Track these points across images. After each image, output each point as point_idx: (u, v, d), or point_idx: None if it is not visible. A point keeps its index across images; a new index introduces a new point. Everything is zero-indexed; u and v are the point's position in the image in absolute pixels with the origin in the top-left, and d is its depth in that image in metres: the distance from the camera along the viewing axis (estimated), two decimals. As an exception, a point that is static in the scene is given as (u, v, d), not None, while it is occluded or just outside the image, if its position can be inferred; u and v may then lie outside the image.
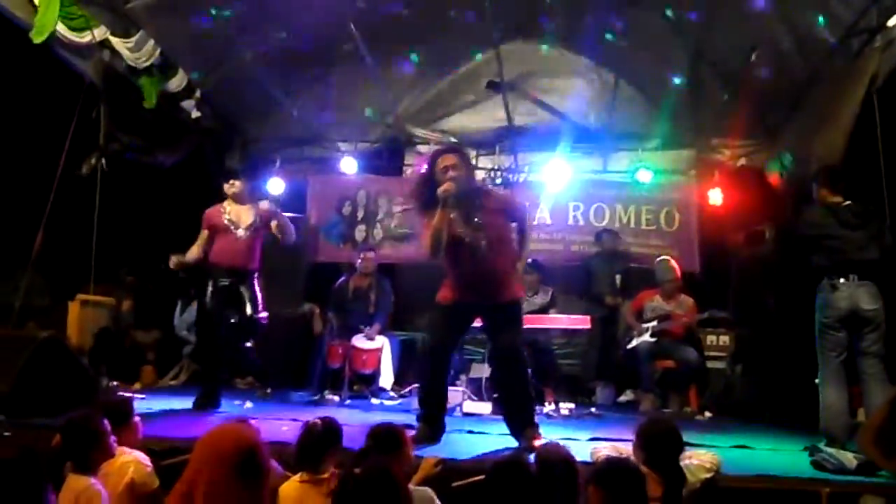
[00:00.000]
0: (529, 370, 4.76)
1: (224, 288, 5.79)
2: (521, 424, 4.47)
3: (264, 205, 6.05)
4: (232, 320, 5.81)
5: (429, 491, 3.02)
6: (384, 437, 3.12)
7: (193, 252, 5.92)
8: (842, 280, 4.69)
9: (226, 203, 5.97)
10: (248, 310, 5.82)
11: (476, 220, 4.46)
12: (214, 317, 5.86)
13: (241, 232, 5.81)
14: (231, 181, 6.01)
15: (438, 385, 4.69)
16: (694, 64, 7.55)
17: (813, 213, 4.99)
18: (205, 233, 5.93)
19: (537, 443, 4.19)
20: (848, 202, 4.85)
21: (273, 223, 5.94)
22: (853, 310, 4.64)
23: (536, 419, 4.63)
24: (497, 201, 4.70)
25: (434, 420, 4.63)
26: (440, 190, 4.33)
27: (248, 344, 6.16)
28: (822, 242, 4.81)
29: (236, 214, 5.88)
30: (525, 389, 4.58)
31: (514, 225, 4.76)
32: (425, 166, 4.73)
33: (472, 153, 9.03)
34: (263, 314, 5.93)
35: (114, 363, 7.46)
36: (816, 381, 4.82)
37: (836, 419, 4.59)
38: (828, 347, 4.72)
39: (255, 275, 5.95)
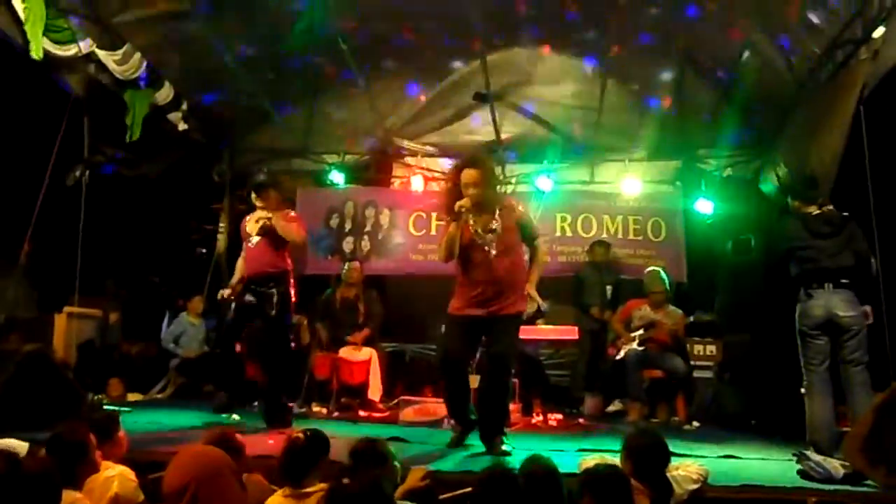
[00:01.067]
0: (515, 379, 5.17)
1: (247, 296, 5.73)
2: (493, 433, 4.74)
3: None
4: (256, 325, 5.78)
5: None
6: (366, 453, 3.11)
7: (238, 266, 5.97)
8: (816, 288, 4.73)
9: (252, 213, 5.93)
10: (272, 311, 5.67)
11: (492, 229, 4.76)
12: (235, 327, 5.84)
13: (252, 240, 5.77)
14: (254, 195, 5.87)
15: (461, 392, 4.89)
16: (681, 75, 7.60)
17: (785, 224, 5.05)
18: (244, 244, 5.91)
19: (505, 447, 4.62)
20: (819, 211, 4.90)
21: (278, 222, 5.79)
22: (829, 317, 4.69)
23: (510, 429, 5.08)
24: (515, 217, 4.89)
25: (462, 419, 4.94)
26: (457, 204, 4.66)
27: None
28: (795, 253, 4.86)
29: (251, 224, 5.84)
30: (505, 401, 4.90)
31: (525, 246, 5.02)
32: (451, 179, 5.01)
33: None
34: (290, 318, 5.81)
35: (100, 376, 7.40)
36: (802, 390, 4.84)
37: (821, 430, 4.61)
38: (809, 356, 4.76)
39: (283, 277, 5.76)
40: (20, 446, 3.34)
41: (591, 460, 3.70)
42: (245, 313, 5.77)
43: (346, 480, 2.62)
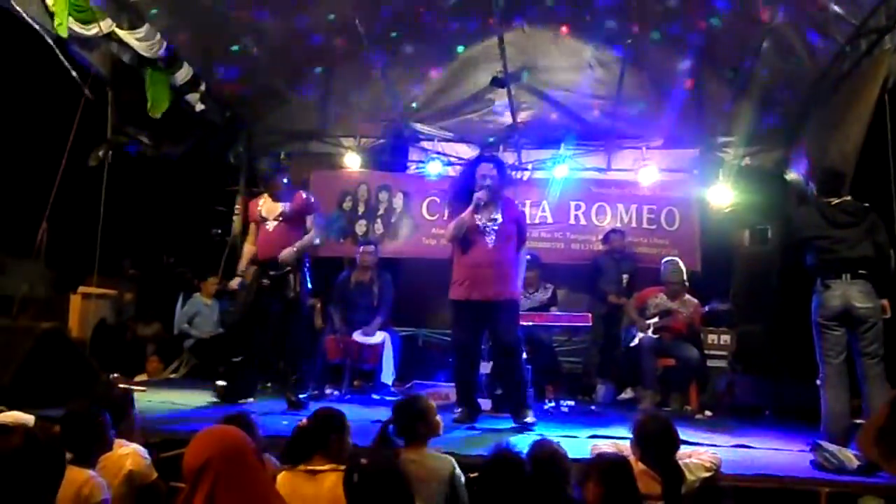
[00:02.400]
0: (529, 366, 5.50)
1: (264, 279, 5.74)
2: (518, 407, 5.19)
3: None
4: (274, 308, 5.80)
5: (450, 460, 3.18)
6: (406, 407, 3.35)
7: (247, 253, 5.98)
8: (834, 279, 4.69)
9: (262, 196, 6.02)
10: (290, 294, 5.73)
11: (494, 219, 5.19)
12: (254, 307, 5.84)
13: (270, 224, 5.81)
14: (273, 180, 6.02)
15: (468, 374, 5.37)
16: (700, 62, 7.53)
17: (803, 213, 5.02)
18: (252, 226, 6.02)
19: (529, 419, 5.07)
20: (839, 201, 4.85)
21: (308, 217, 5.90)
22: (846, 308, 4.64)
23: (531, 403, 5.36)
24: (514, 213, 5.39)
25: (470, 403, 5.34)
26: (476, 195, 5.14)
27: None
28: (812, 242, 4.82)
29: (268, 206, 5.88)
30: (522, 379, 5.27)
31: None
32: (467, 168, 5.56)
33: (476, 150, 9.08)
34: (308, 300, 5.88)
35: (115, 355, 7.46)
36: (818, 382, 4.81)
37: (836, 422, 4.59)
38: (826, 347, 4.72)
39: (300, 260, 5.83)
40: (27, 419, 3.37)
41: (602, 446, 3.71)
42: (262, 297, 5.80)
43: (363, 460, 2.65)
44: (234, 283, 5.97)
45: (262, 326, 5.85)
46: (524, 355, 5.34)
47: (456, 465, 3.19)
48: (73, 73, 5.95)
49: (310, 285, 5.91)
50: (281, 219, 5.80)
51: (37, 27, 5.54)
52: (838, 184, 5.05)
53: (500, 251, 5.16)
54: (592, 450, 3.72)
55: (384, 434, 3.25)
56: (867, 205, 4.87)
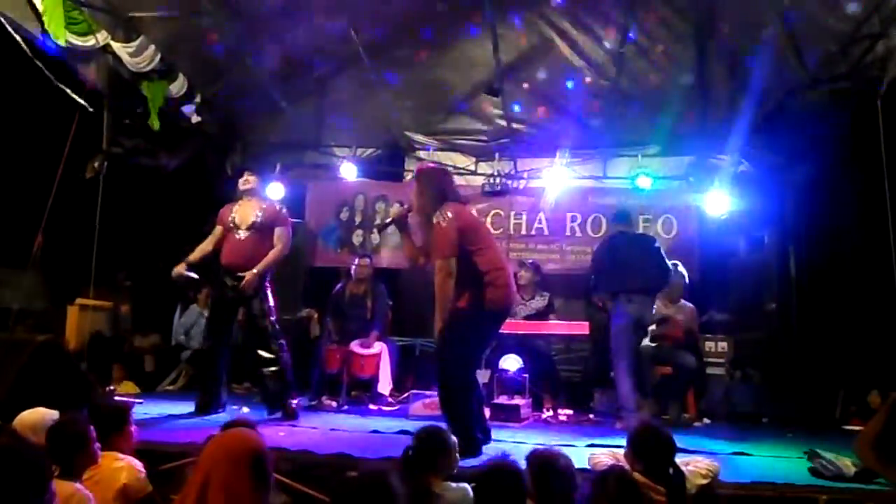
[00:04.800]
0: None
1: (229, 288, 5.70)
2: None
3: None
4: (239, 318, 5.84)
5: (465, 489, 3.08)
6: (430, 438, 3.23)
7: (201, 248, 5.88)
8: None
9: (238, 202, 5.93)
10: (255, 302, 5.69)
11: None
12: (218, 317, 5.87)
13: (241, 232, 5.73)
14: (245, 177, 5.96)
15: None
16: (696, 68, 7.54)
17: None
18: (218, 228, 5.91)
19: None
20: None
21: (276, 229, 5.85)
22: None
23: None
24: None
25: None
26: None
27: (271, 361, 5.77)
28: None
29: (241, 214, 5.80)
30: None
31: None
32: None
33: (472, 159, 9.10)
34: (272, 315, 5.76)
35: (110, 368, 7.44)
36: (612, 374, 5.80)
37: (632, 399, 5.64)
38: (632, 346, 5.94)
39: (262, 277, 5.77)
40: (52, 415, 3.37)
41: (600, 455, 3.70)
42: (227, 306, 5.80)
43: (352, 473, 2.64)
44: (181, 267, 5.75)
45: (227, 337, 5.86)
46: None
47: (469, 493, 3.04)
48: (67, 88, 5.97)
49: (268, 296, 5.81)
50: (253, 229, 5.74)
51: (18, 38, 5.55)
52: None
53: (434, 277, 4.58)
54: (591, 459, 3.71)
55: (406, 459, 3.14)
56: None
